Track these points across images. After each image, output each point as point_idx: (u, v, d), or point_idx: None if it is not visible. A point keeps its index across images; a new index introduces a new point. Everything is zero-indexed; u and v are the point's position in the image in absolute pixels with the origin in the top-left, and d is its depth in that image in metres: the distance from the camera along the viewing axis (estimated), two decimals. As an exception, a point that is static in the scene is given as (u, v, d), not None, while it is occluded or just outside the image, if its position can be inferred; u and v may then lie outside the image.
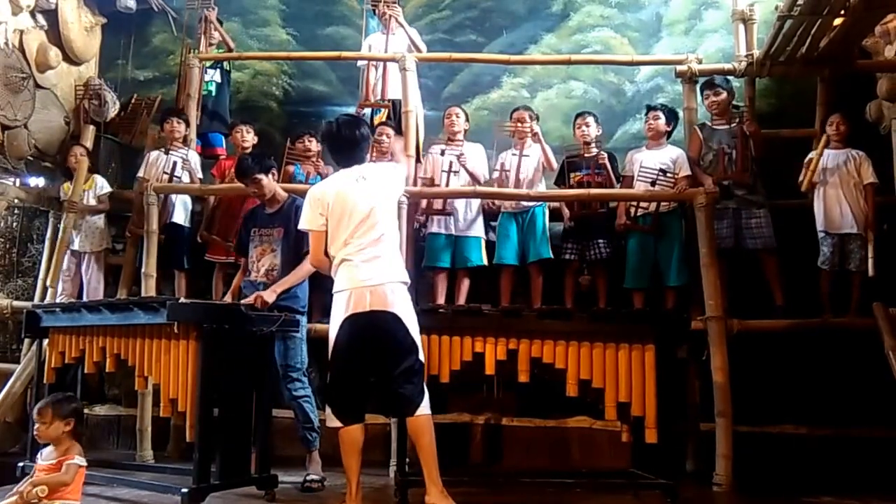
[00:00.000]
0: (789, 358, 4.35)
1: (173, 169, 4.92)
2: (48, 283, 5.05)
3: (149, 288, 4.53)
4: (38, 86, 5.44)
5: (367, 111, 5.15)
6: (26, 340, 4.86)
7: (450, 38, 5.90)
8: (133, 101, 5.95)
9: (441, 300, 4.56)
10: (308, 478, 3.57)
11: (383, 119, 5.10)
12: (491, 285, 4.68)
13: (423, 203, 4.68)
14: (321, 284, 3.58)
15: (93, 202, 5.20)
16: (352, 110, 5.05)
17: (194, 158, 5.07)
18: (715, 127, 4.60)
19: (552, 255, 4.59)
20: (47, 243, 5.45)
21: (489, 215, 4.82)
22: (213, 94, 5.57)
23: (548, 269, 4.64)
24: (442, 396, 4.06)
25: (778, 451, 4.24)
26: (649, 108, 4.79)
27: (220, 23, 5.70)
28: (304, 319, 3.76)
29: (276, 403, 3.57)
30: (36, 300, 5.11)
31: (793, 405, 4.32)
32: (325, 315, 3.29)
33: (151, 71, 6.25)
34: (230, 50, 5.67)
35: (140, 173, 5.14)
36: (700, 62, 4.77)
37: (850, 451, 4.11)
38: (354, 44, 5.66)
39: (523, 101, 5.41)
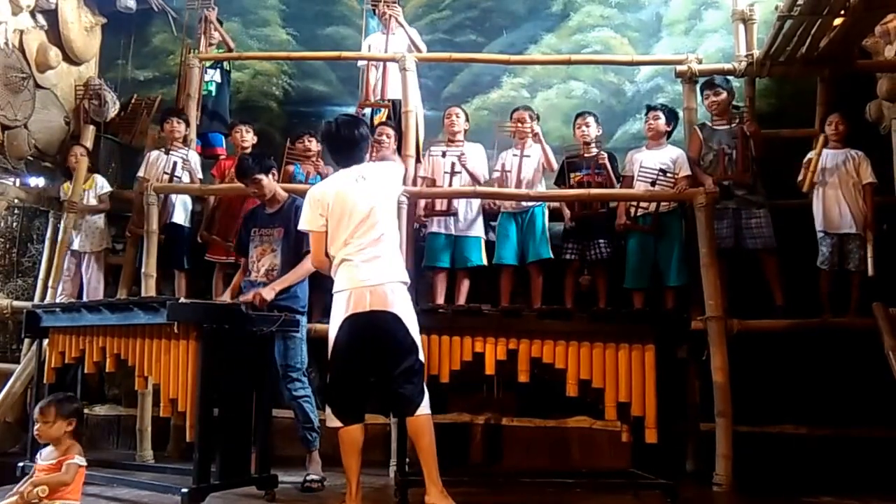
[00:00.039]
0: (789, 358, 4.35)
1: (173, 169, 4.93)
2: (50, 283, 5.05)
3: (149, 288, 4.53)
4: (38, 86, 5.44)
5: (368, 111, 5.15)
6: (26, 340, 4.86)
7: (450, 38, 5.89)
8: (133, 101, 5.95)
9: (441, 300, 4.56)
10: (308, 478, 3.57)
11: (383, 119, 5.10)
12: (491, 285, 4.68)
13: (423, 203, 4.68)
14: (321, 284, 3.58)
15: (93, 202, 5.21)
16: (352, 110, 5.05)
17: (194, 158, 5.07)
18: (715, 127, 4.60)
19: (552, 255, 4.59)
20: (47, 243, 5.45)
21: (489, 215, 4.82)
22: (213, 94, 5.57)
23: (548, 269, 4.64)
24: (442, 396, 4.06)
25: (778, 451, 4.24)
26: (649, 108, 4.80)
27: (220, 23, 5.71)
28: (304, 319, 3.76)
29: (276, 403, 3.57)
30: (36, 300, 5.10)
31: (793, 405, 4.32)
32: (325, 315, 3.29)
33: (151, 71, 6.25)
34: (230, 50, 5.67)
35: (140, 173, 5.14)
36: (700, 62, 4.77)
37: (850, 451, 4.11)
38: (354, 44, 5.66)
39: (523, 101, 5.41)
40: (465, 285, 4.67)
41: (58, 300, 4.90)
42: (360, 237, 2.95)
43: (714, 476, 3.74)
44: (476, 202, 4.72)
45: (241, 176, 3.88)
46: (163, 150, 5.09)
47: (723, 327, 3.95)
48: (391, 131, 4.71)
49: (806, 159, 4.45)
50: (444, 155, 4.73)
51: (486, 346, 3.27)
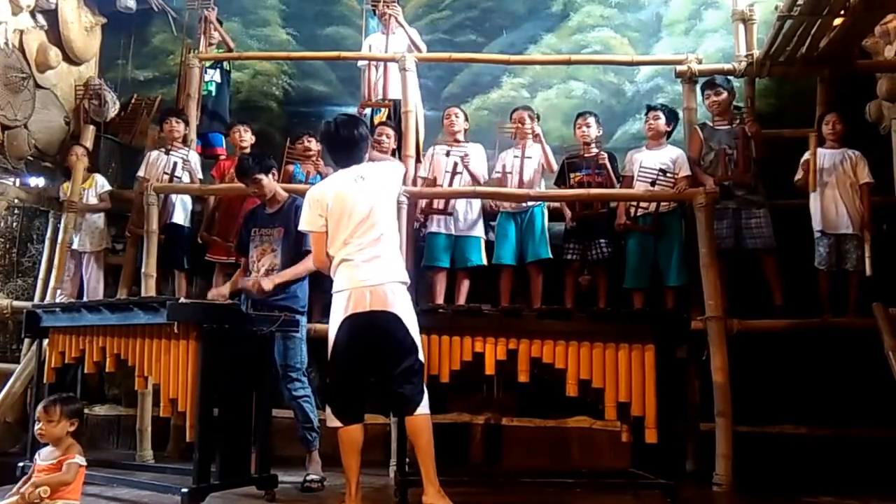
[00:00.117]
0: (789, 358, 4.35)
1: (174, 169, 4.93)
2: (52, 284, 5.05)
3: (149, 288, 4.53)
4: (38, 86, 5.45)
5: (368, 111, 5.15)
6: (26, 340, 4.86)
7: (450, 38, 5.90)
8: (133, 101, 5.95)
9: (440, 300, 4.56)
10: (308, 478, 3.57)
11: (383, 119, 5.10)
12: (491, 285, 4.68)
13: (423, 202, 4.68)
14: (321, 284, 3.58)
15: (94, 201, 5.21)
16: (352, 110, 5.04)
17: (194, 158, 5.07)
18: (716, 127, 4.60)
19: (551, 255, 4.59)
20: (47, 243, 5.45)
21: (488, 215, 4.82)
22: (213, 94, 5.57)
23: (547, 269, 4.64)
24: (442, 396, 4.07)
25: (778, 451, 4.24)
26: (649, 108, 4.80)
27: (220, 23, 5.71)
28: (304, 319, 3.76)
29: (276, 403, 3.57)
30: (36, 300, 5.11)
31: (793, 405, 4.32)
32: (325, 315, 3.29)
33: (151, 71, 6.26)
34: (230, 50, 5.67)
35: (140, 173, 5.14)
36: (700, 62, 4.78)
37: (850, 451, 4.11)
38: (354, 44, 5.67)
39: (523, 101, 5.42)
40: (464, 285, 4.67)
41: (57, 300, 4.90)
42: (359, 237, 2.95)
43: (714, 476, 3.74)
44: (477, 203, 4.72)
45: (241, 176, 3.88)
46: (163, 150, 5.09)
47: (723, 327, 3.95)
48: (391, 131, 4.71)
49: (803, 160, 4.44)
50: (447, 154, 4.73)
51: (486, 346, 3.27)
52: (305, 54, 5.77)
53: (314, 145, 4.86)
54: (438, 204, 4.64)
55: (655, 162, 4.55)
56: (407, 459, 3.32)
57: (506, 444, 4.51)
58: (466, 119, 4.93)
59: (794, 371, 4.36)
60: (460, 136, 4.85)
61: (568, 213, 4.70)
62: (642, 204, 4.48)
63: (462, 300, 4.55)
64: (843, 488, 3.67)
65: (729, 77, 4.66)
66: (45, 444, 2.89)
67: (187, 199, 5.08)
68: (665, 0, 5.78)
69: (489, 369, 3.27)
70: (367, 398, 3.01)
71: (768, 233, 4.37)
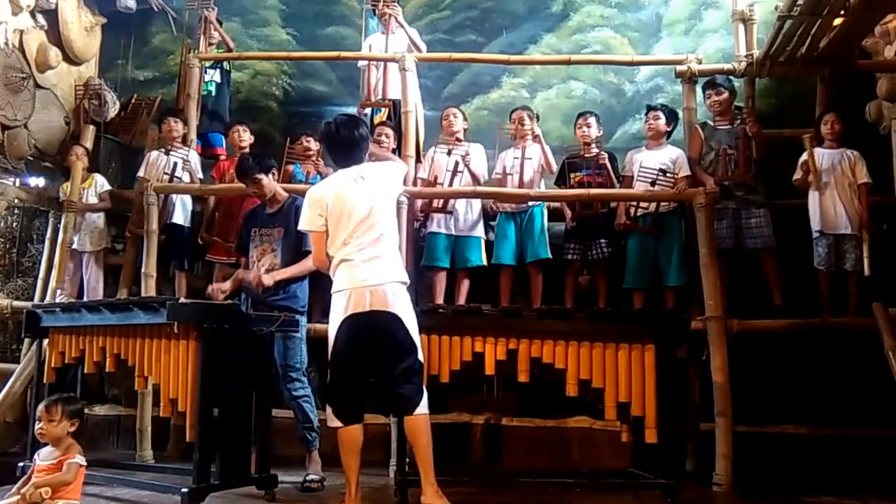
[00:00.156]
0: (789, 358, 4.35)
1: (174, 169, 4.92)
2: (52, 284, 5.04)
3: (149, 288, 4.53)
4: (38, 86, 5.45)
5: (368, 111, 5.15)
6: (26, 340, 4.86)
7: (450, 38, 5.90)
8: (133, 101, 5.96)
9: (440, 300, 4.55)
10: (308, 478, 3.57)
11: (383, 119, 5.10)
12: (491, 285, 4.68)
13: (422, 201, 4.68)
14: (321, 284, 3.58)
15: (94, 201, 5.21)
16: (352, 110, 5.05)
17: (194, 159, 5.07)
18: (717, 127, 4.59)
19: (550, 255, 4.59)
20: (47, 243, 5.45)
21: (488, 215, 4.82)
22: (213, 94, 5.57)
23: (547, 269, 4.64)
24: (442, 396, 4.07)
25: (778, 451, 4.24)
26: (649, 108, 4.80)
27: (220, 23, 5.71)
28: (303, 319, 3.76)
29: (276, 403, 3.57)
30: (36, 300, 5.11)
31: (793, 405, 4.32)
32: (325, 315, 3.29)
33: (151, 71, 6.26)
34: (230, 50, 5.66)
35: (140, 173, 5.14)
36: (700, 62, 4.78)
37: (850, 451, 4.11)
38: (354, 44, 5.67)
39: (523, 101, 5.42)
40: (464, 285, 4.66)
41: (57, 300, 4.90)
42: (359, 237, 2.96)
43: (714, 476, 3.74)
44: (477, 203, 4.72)
45: (241, 176, 3.88)
46: (163, 150, 5.08)
47: (723, 327, 3.95)
48: (391, 131, 4.71)
49: (801, 160, 4.44)
50: (448, 153, 4.73)
51: (486, 346, 3.26)
52: (305, 54, 5.77)
53: (314, 145, 4.86)
54: (438, 202, 4.64)
55: (655, 162, 4.55)
56: (407, 459, 3.31)
57: (506, 444, 4.51)
58: (465, 119, 4.93)
59: (794, 371, 4.36)
60: (460, 136, 4.84)
61: (568, 213, 4.70)
62: (642, 204, 4.48)
63: (462, 300, 4.55)
64: (844, 488, 3.67)
65: (730, 77, 4.66)
66: (45, 444, 2.89)
67: (187, 199, 5.08)
68: (665, 0, 5.78)
69: (489, 369, 3.27)
70: (367, 398, 3.01)
71: (768, 233, 4.37)
